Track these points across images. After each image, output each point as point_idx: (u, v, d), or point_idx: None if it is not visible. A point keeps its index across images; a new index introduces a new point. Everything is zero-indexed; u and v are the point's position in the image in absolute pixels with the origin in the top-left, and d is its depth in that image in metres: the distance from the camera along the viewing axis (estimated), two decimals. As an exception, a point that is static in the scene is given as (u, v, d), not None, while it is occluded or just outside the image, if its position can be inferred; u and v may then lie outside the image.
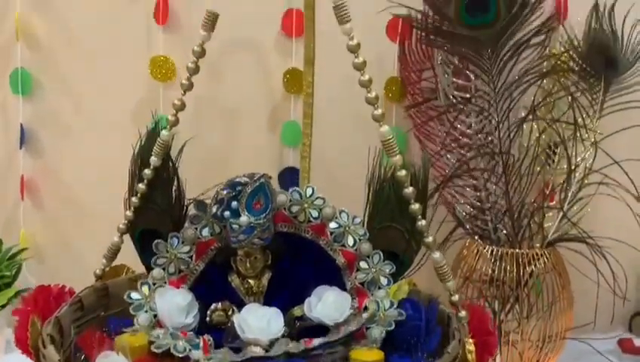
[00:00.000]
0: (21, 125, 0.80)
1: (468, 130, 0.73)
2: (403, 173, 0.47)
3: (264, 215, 0.48)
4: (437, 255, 0.48)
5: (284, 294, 0.50)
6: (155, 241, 0.52)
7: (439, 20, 0.67)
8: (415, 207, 0.47)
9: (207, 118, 0.79)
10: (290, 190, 0.53)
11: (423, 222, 0.48)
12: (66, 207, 0.82)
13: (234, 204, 0.47)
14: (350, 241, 0.52)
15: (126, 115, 0.79)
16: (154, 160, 0.51)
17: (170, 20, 0.77)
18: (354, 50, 0.46)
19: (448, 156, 0.74)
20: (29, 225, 0.81)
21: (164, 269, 0.52)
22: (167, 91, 0.78)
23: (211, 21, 0.48)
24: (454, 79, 0.73)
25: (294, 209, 0.52)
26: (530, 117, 0.68)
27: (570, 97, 0.71)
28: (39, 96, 0.80)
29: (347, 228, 0.52)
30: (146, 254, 0.53)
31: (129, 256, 0.60)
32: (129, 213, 0.52)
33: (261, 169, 0.79)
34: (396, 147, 0.48)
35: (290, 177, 0.79)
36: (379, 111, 0.47)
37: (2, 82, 0.80)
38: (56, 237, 0.82)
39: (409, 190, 0.47)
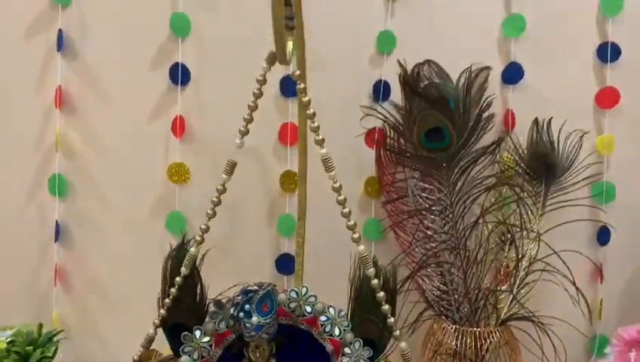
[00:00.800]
0: (56, 221, 0.92)
1: (433, 225, 0.90)
2: (375, 281, 0.63)
3: (270, 315, 0.63)
4: (403, 344, 0.63)
5: (286, 378, 0.65)
6: (183, 334, 0.66)
7: (404, 144, 0.85)
8: (385, 307, 0.63)
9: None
10: (289, 290, 0.68)
11: (392, 319, 0.63)
12: (93, 292, 0.94)
13: (247, 306, 0.63)
14: (337, 331, 0.66)
15: (146, 213, 0.93)
16: (183, 270, 0.66)
17: (186, 133, 0.91)
18: (337, 190, 0.63)
19: (419, 246, 0.91)
20: (60, 308, 0.93)
21: (189, 356, 0.66)
22: (182, 191, 0.92)
23: (231, 168, 0.65)
24: (421, 183, 0.90)
25: (292, 305, 0.67)
26: (481, 220, 0.85)
27: (517, 200, 0.88)
28: (73, 197, 0.93)
29: (334, 321, 0.66)
30: (175, 343, 0.67)
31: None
32: (163, 312, 0.67)
33: (260, 256, 0.96)
34: (370, 261, 0.64)
35: (285, 262, 0.94)
36: (356, 235, 0.64)
37: (42, 185, 0.92)
38: (84, 318, 0.95)
39: (381, 294, 0.64)
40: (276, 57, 0.60)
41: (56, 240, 0.93)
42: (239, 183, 0.92)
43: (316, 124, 0.62)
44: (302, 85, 0.62)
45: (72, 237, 0.94)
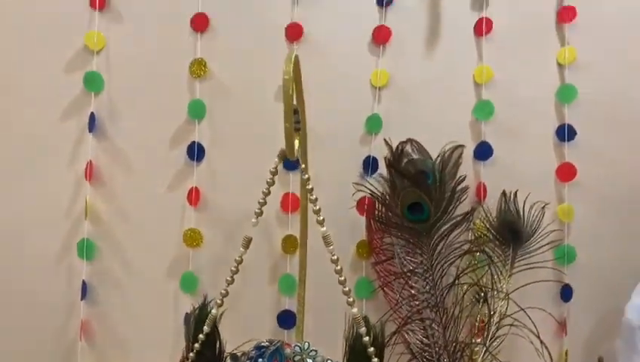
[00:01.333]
0: (83, 281, 1.04)
1: (416, 285, 1.04)
2: (366, 339, 0.78)
3: (279, 367, 0.78)
4: (390, 391, 0.77)
5: (292, 420, 0.78)
6: (204, 382, 0.80)
7: (391, 215, 1.00)
8: (375, 361, 0.77)
9: (223, 275, 1.06)
10: (294, 345, 0.82)
11: (381, 370, 0.78)
12: (114, 345, 1.05)
13: (260, 360, 0.77)
14: (334, 381, 0.81)
15: (163, 274, 1.06)
16: (206, 328, 0.80)
17: (200, 202, 1.05)
18: (335, 262, 0.78)
19: (404, 304, 1.04)
20: (84, 361, 1.04)
21: (209, 402, 0.80)
22: (195, 254, 1.05)
23: (247, 242, 0.80)
24: (405, 248, 1.03)
25: (297, 358, 0.80)
26: (457, 281, 0.99)
27: (489, 263, 1.03)
28: (99, 259, 1.05)
29: (332, 372, 0.81)
30: (197, 390, 0.81)
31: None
32: (187, 364, 0.81)
33: (263, 313, 1.09)
34: (362, 322, 0.79)
35: (285, 318, 1.07)
36: (351, 299, 0.78)
37: (71, 248, 1.04)
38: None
39: (371, 349, 0.77)
40: (285, 153, 0.76)
41: (82, 298, 1.03)
42: (245, 246, 1.08)
43: (318, 207, 0.77)
44: (306, 176, 0.78)
45: (96, 296, 1.05)
